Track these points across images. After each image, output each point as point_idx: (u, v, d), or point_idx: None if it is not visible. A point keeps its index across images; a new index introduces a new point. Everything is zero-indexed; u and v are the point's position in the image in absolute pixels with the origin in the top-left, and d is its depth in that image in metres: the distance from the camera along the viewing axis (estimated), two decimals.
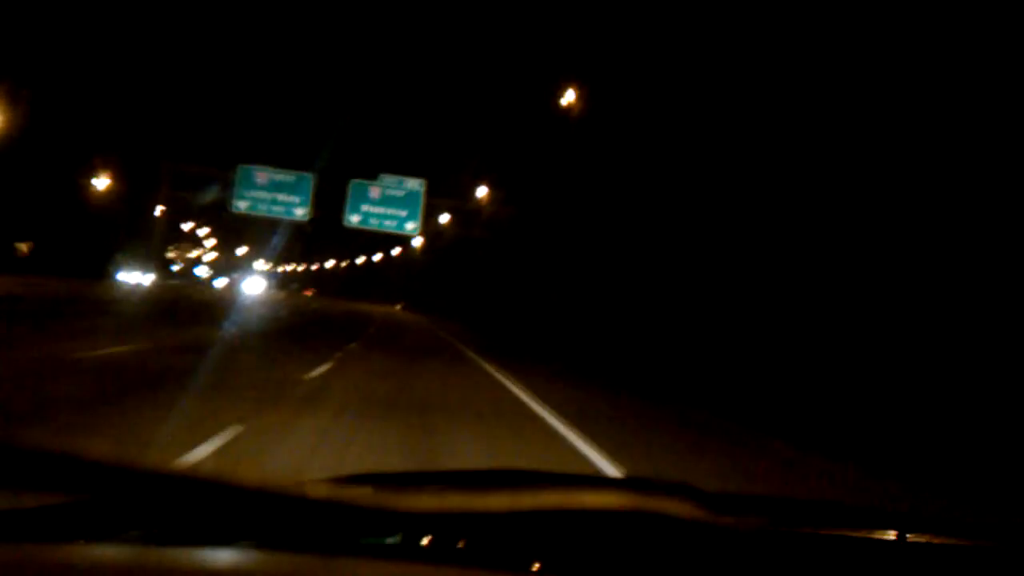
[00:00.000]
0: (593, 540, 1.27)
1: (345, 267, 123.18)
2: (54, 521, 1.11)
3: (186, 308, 26.78)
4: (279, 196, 29.10)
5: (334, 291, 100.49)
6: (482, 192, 35.37)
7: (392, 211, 29.36)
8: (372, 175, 29.74)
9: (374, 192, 29.38)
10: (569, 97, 24.62)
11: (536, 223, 30.95)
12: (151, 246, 34.96)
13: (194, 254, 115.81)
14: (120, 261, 38.42)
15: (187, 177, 31.69)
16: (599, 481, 2.76)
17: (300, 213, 29.28)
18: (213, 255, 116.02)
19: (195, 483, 1.07)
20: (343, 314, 40.78)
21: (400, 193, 29.44)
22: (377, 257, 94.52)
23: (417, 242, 71.01)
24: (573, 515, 1.26)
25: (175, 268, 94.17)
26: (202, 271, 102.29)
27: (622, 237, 23.86)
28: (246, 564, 1.09)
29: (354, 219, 29.41)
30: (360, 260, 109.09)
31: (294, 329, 23.14)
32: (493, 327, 33.18)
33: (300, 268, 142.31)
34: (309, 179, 29.32)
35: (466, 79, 56.15)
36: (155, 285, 39.37)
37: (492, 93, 43.61)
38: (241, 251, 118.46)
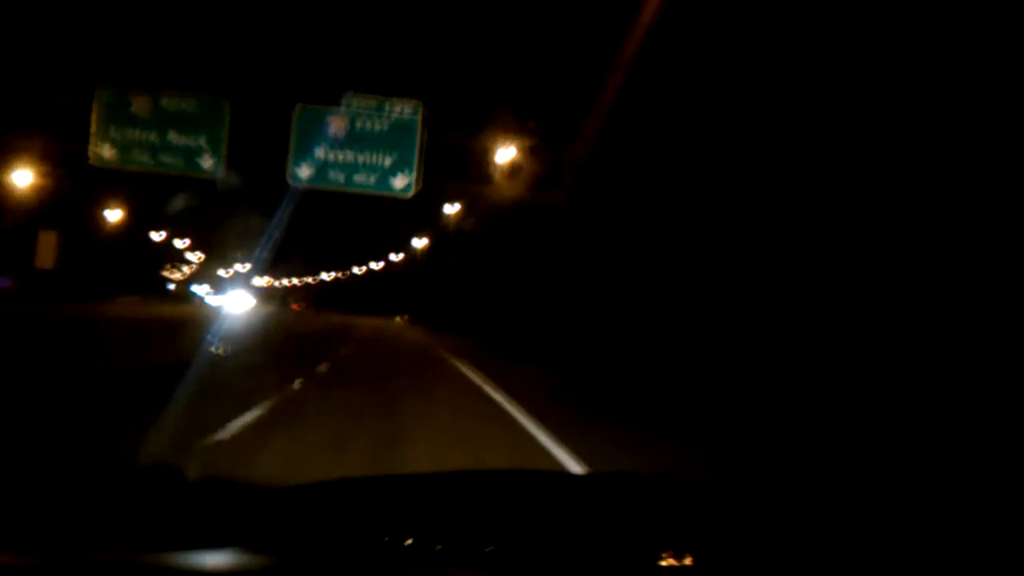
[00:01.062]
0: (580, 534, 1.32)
1: (344, 278, 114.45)
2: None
3: None
4: (171, 137, 16.78)
5: (330, 304, 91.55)
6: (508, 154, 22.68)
7: (368, 157, 17.00)
8: (334, 100, 17.46)
9: (336, 125, 17.02)
10: None
11: (612, 187, 18.54)
12: None
13: (183, 270, 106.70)
14: None
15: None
16: (582, 478, 2.94)
17: (208, 165, 16.86)
18: (193, 268, 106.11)
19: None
20: (317, 333, 29.27)
21: (381, 126, 17.09)
22: (378, 266, 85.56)
23: (420, 243, 59.55)
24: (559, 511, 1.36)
25: (171, 286, 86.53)
26: (202, 289, 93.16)
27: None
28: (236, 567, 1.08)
29: (303, 173, 17.05)
30: (360, 270, 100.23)
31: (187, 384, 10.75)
32: (537, 346, 20.67)
33: (298, 281, 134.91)
34: (223, 107, 17.02)
35: None
36: None
37: None
38: (244, 267, 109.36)
